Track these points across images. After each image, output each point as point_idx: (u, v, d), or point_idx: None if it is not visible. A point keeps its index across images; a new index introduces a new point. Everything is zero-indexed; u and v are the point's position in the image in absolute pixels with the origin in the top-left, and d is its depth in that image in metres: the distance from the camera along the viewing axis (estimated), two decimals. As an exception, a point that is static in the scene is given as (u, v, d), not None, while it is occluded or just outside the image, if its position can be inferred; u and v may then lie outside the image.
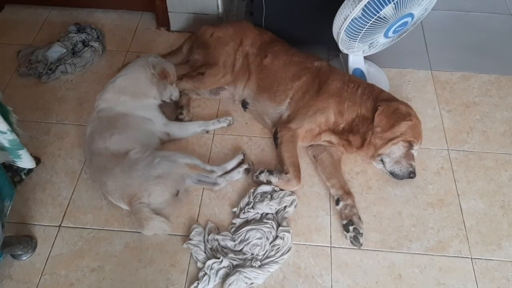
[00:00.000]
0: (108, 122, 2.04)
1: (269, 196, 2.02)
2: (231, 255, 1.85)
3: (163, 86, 2.22)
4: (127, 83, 2.15)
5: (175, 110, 2.34)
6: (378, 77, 2.56)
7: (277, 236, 1.91)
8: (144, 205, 1.87)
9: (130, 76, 2.17)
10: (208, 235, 1.92)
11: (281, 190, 2.05)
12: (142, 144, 2.01)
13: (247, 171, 2.13)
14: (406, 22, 2.19)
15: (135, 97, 2.14)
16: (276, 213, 2.00)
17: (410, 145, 2.05)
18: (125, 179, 1.89)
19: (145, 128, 2.12)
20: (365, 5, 1.98)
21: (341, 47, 2.27)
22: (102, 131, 2.00)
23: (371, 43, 2.32)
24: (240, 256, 1.86)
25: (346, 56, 2.47)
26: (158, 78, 2.19)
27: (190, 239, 1.91)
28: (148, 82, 2.19)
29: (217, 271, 1.81)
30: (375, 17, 2.02)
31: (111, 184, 1.91)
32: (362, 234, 1.93)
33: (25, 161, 1.80)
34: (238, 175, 2.12)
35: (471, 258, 1.90)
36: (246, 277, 1.78)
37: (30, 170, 2.11)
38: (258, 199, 2.01)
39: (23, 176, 2.10)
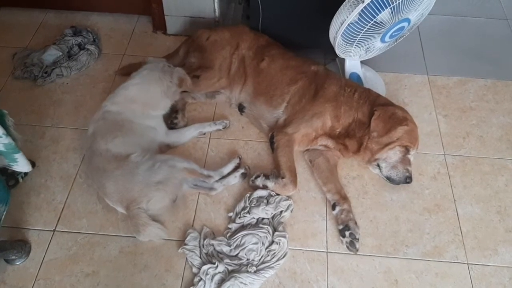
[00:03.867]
0: (113, 124, 2.02)
1: (265, 201, 2.01)
2: (226, 260, 1.84)
3: (177, 94, 2.24)
4: (141, 93, 2.13)
5: (170, 115, 2.32)
6: (375, 81, 2.56)
7: (273, 241, 1.91)
8: (142, 210, 1.85)
9: (145, 88, 2.15)
10: (204, 240, 1.91)
11: (277, 194, 2.04)
12: (142, 149, 2.00)
13: (243, 175, 2.12)
14: (403, 27, 2.19)
15: (146, 107, 2.13)
16: (272, 218, 2.00)
17: (406, 150, 2.05)
18: (125, 183, 1.88)
19: (148, 136, 2.11)
20: (362, 10, 1.98)
21: (337, 51, 2.27)
22: (106, 133, 1.99)
23: (367, 48, 2.32)
24: (235, 261, 1.85)
25: (342, 61, 2.47)
26: (176, 86, 2.20)
27: (185, 244, 1.90)
28: (161, 96, 2.17)
29: (213, 276, 1.80)
30: (372, 22, 2.02)
31: (110, 186, 1.89)
32: (358, 239, 1.93)
33: (21, 165, 1.79)
34: (235, 180, 2.11)
35: (468, 264, 1.90)
36: (241, 282, 1.77)
37: (25, 174, 2.10)
38: (254, 204, 2.00)
39: (20, 180, 2.09)
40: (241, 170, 2.12)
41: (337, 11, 2.06)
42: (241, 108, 2.38)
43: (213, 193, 2.07)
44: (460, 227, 2.01)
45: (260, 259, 1.86)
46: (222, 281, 1.79)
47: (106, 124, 2.03)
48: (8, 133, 1.65)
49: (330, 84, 2.19)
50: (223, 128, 2.33)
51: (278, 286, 1.82)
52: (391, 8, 1.98)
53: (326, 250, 1.93)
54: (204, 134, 2.31)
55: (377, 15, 1.99)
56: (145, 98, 2.13)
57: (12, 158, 1.73)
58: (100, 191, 1.97)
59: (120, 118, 2.05)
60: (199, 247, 1.89)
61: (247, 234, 1.91)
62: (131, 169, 1.90)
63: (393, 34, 2.21)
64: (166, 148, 2.20)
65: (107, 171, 1.91)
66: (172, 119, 2.31)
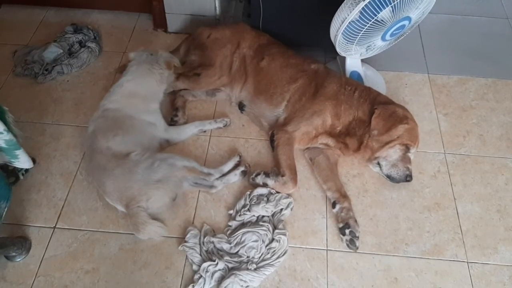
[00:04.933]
0: (113, 122, 2.03)
1: (265, 199, 2.02)
2: (226, 257, 1.84)
3: (171, 77, 2.31)
4: (138, 88, 2.16)
5: (170, 112, 2.33)
6: (375, 80, 2.56)
7: (273, 239, 1.91)
8: (141, 209, 1.85)
9: (141, 82, 2.18)
10: (204, 237, 1.91)
11: (278, 192, 2.05)
12: (143, 148, 2.00)
13: (243, 173, 2.12)
14: (404, 25, 2.19)
15: (145, 101, 2.15)
16: (272, 215, 2.00)
17: (406, 148, 2.05)
18: (125, 181, 1.88)
19: (148, 132, 2.11)
20: (363, 8, 1.98)
21: (338, 49, 2.27)
22: (106, 131, 1.99)
23: (368, 46, 2.32)
24: (235, 259, 1.85)
25: (343, 59, 2.46)
26: (167, 70, 2.25)
27: (185, 242, 1.90)
28: (157, 85, 2.22)
29: (213, 274, 1.80)
30: (373, 20, 2.02)
31: (110, 184, 1.90)
32: (358, 237, 1.93)
33: (22, 161, 1.78)
34: (235, 178, 2.11)
35: (467, 262, 1.90)
36: (241, 280, 1.77)
37: (25, 171, 2.10)
38: (254, 202, 2.00)
39: (21, 177, 2.09)
40: (241, 168, 2.12)
41: (338, 9, 2.06)
42: (241, 107, 2.38)
43: (214, 191, 2.06)
44: (460, 226, 2.01)
45: (260, 257, 1.86)
46: (222, 278, 1.79)
47: (107, 122, 2.03)
48: (9, 129, 1.64)
49: (331, 82, 2.19)
50: (224, 126, 2.33)
51: (278, 284, 1.82)
52: (392, 7, 1.98)
53: (326, 248, 1.93)
54: (205, 132, 2.31)
55: (378, 13, 1.99)
56: (143, 91, 2.16)
57: (13, 155, 1.72)
58: (100, 189, 1.98)
59: (121, 114, 2.06)
60: (199, 244, 1.90)
61: (247, 232, 1.91)
62: (130, 168, 1.90)
63: (394, 32, 2.21)
64: (166, 144, 2.20)
65: (107, 170, 1.91)
66: (172, 117, 2.31)
